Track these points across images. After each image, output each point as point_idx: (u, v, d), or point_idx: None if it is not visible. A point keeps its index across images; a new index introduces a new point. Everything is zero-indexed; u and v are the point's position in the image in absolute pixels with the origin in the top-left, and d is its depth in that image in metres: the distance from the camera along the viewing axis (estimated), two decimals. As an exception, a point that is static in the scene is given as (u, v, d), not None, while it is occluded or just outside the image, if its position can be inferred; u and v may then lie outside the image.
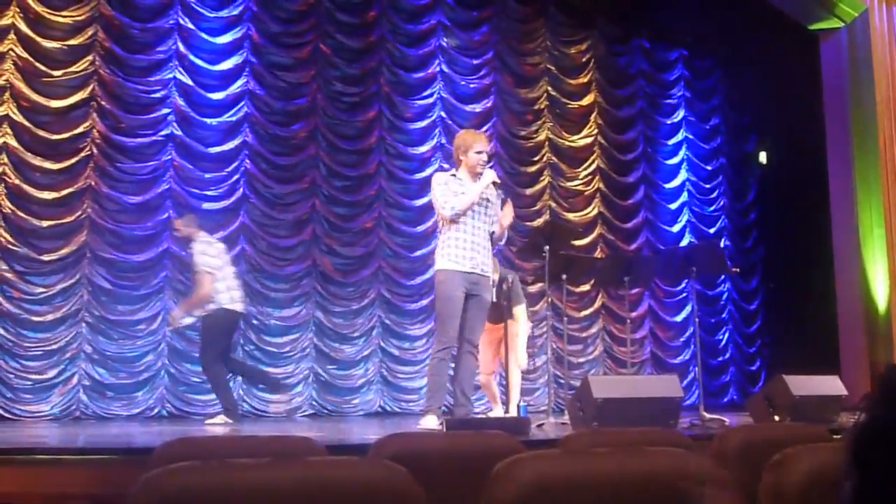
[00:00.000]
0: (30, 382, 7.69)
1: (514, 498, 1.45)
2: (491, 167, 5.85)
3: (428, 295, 9.25)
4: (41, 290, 7.85)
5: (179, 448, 2.34)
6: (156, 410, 8.03)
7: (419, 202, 9.36)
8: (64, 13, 8.14)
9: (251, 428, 6.64)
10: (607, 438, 2.64)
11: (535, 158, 10.14)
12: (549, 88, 10.30)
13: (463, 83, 9.87)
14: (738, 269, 10.24)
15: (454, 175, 5.60)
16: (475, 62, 9.94)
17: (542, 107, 10.24)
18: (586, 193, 10.34)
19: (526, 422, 5.23)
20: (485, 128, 9.81)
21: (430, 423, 5.41)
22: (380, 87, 9.37)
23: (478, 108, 9.88)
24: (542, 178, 10.11)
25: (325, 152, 9.03)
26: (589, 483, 1.43)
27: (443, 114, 9.66)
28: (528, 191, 10.04)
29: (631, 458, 1.55)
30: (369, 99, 9.32)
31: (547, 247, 6.78)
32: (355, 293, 9.02)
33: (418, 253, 9.33)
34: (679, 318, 10.67)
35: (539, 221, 9.66)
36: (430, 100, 9.63)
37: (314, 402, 8.62)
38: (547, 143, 10.19)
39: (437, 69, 9.70)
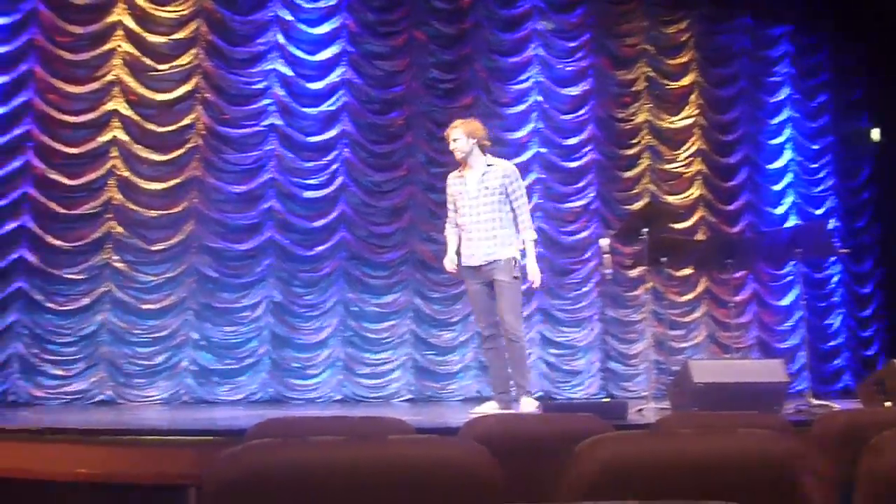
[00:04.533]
0: (140, 368, 7.96)
1: (595, 476, 1.43)
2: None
3: (524, 280, 9.19)
4: (150, 278, 8.12)
5: (271, 428, 2.39)
6: (258, 395, 8.21)
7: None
8: (168, 8, 8.37)
9: (351, 412, 6.74)
10: (701, 421, 2.58)
11: (634, 141, 9.96)
12: (648, 69, 10.10)
13: (559, 66, 9.76)
14: (847, 250, 9.85)
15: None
16: (571, 45, 9.81)
17: (641, 88, 10.04)
18: (686, 175, 10.11)
19: (623, 405, 5.17)
20: (582, 111, 9.70)
21: (489, 408, 5.85)
22: (475, 73, 9.34)
23: (575, 91, 9.75)
24: (640, 161, 9.93)
25: (422, 139, 9.06)
26: (670, 463, 1.39)
27: (539, 98, 9.57)
28: (627, 174, 9.88)
29: (716, 439, 1.51)
30: (465, 85, 9.31)
31: (646, 230, 6.68)
32: (452, 279, 9.01)
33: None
34: (786, 302, 10.35)
35: (637, 205, 9.49)
36: (527, 84, 9.56)
37: (412, 388, 8.69)
38: (645, 125, 10.00)
39: (533, 53, 9.61)
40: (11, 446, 4.63)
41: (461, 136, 6.05)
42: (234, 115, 8.51)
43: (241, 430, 4.11)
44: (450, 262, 6.14)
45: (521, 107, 9.51)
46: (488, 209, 5.96)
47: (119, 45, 8.18)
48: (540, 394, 8.79)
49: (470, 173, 6.07)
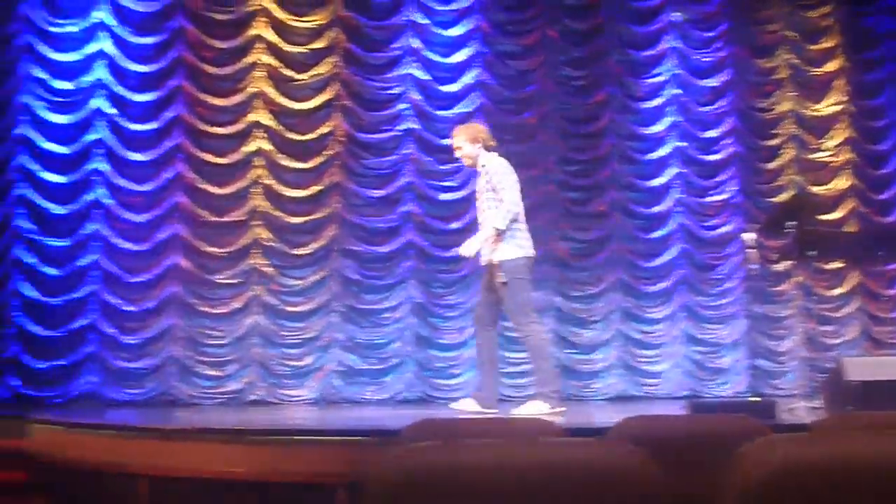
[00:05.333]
0: (289, 369, 8.22)
1: (761, 481, 1.38)
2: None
3: (667, 277, 9.04)
4: (296, 282, 8.37)
5: (424, 429, 2.41)
6: (404, 395, 8.33)
7: (653, 183, 9.16)
8: (306, 18, 8.61)
9: (507, 410, 6.76)
10: (864, 422, 2.47)
11: (776, 131, 9.60)
12: (790, 56, 9.71)
13: (696, 57, 9.50)
14: None
15: None
16: (708, 35, 9.54)
17: (783, 76, 9.67)
18: (834, 165, 9.67)
19: (772, 405, 5.00)
20: (721, 102, 9.42)
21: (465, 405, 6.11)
22: (609, 68, 9.21)
23: (713, 82, 9.48)
24: (783, 152, 9.55)
25: (556, 138, 9.00)
26: (843, 468, 1.33)
27: (676, 90, 9.35)
28: (770, 165, 9.53)
29: (891, 443, 1.43)
30: (599, 81, 9.18)
31: (792, 223, 6.45)
32: (592, 277, 8.95)
33: (655, 235, 9.11)
34: (949, 296, 9.78)
35: (782, 197, 9.15)
36: (662, 77, 9.35)
37: (555, 387, 8.62)
38: (789, 114, 9.62)
39: (669, 45, 9.39)
40: (170, 445, 4.85)
41: (464, 142, 6.21)
42: (371, 120, 8.68)
43: (391, 430, 4.18)
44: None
45: (657, 101, 9.32)
46: (482, 208, 6.20)
47: (260, 58, 8.46)
48: (685, 393, 8.62)
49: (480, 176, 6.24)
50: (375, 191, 8.59)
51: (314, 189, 8.46)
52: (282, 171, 8.43)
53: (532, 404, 5.96)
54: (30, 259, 7.94)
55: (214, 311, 8.21)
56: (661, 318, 9.01)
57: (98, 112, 8.15)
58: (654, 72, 9.36)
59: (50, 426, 5.76)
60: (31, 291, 7.92)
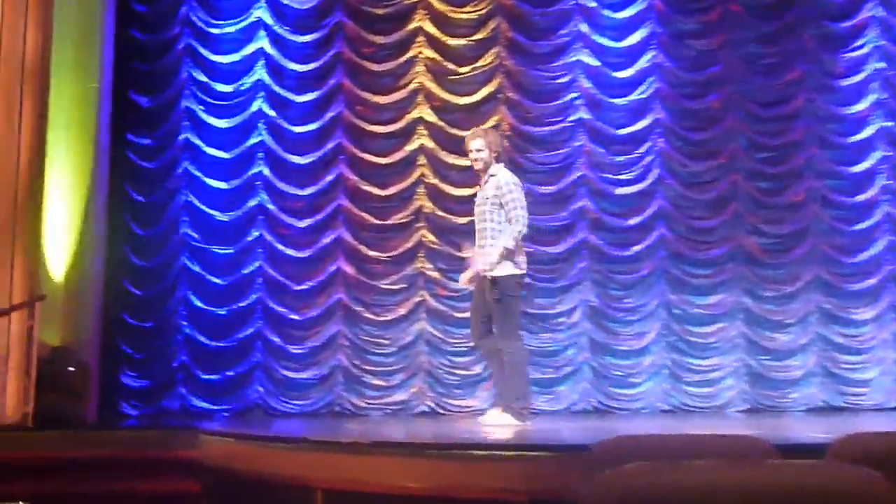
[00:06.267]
0: (458, 378, 8.34)
1: None
2: None
3: (873, 274, 8.65)
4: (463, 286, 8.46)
5: (619, 446, 2.40)
6: (580, 405, 8.30)
7: (855, 169, 8.77)
8: (467, 9, 8.71)
9: (683, 425, 6.66)
10: None
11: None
12: None
13: (902, 25, 9.04)
14: None
15: None
16: (917, -1, 9.07)
17: None
18: None
19: None
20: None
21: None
22: (802, 43, 8.86)
23: (927, 54, 8.98)
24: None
25: (743, 122, 8.76)
26: None
27: (880, 64, 8.90)
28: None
29: None
30: (790, 57, 8.85)
31: None
32: (787, 275, 8.65)
33: (859, 226, 8.72)
34: None
35: None
36: (864, 50, 8.91)
37: (746, 397, 8.41)
38: None
39: (870, 14, 8.94)
40: (346, 458, 5.01)
41: (484, 146, 6.31)
42: (538, 112, 8.69)
43: (576, 445, 4.18)
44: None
45: (859, 77, 8.90)
46: (481, 217, 6.34)
47: (421, 52, 8.64)
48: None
49: (485, 184, 6.38)
50: (545, 187, 8.58)
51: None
52: (446, 169, 8.57)
53: (496, 413, 6.27)
54: (195, 267, 8.38)
55: (380, 318, 8.43)
56: (868, 320, 8.62)
57: (259, 114, 8.52)
58: (855, 44, 8.94)
59: (222, 437, 6.07)
60: (197, 300, 8.36)
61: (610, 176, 8.66)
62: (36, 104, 7.09)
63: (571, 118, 8.66)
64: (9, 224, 6.89)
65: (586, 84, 8.70)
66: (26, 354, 6.88)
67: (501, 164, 6.49)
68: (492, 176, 6.28)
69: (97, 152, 7.98)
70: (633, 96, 8.73)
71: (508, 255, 6.15)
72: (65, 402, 7.07)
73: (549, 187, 8.60)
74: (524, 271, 6.29)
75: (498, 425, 6.07)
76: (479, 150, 6.31)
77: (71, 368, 7.29)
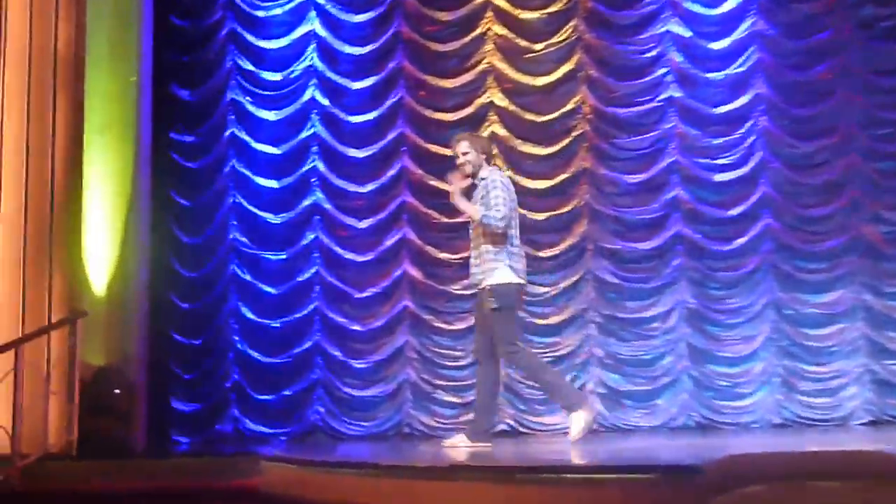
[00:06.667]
0: (539, 392, 8.27)
1: None
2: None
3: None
4: (544, 289, 8.55)
5: (733, 466, 2.45)
6: (680, 420, 8.30)
7: None
8: (541, -24, 8.76)
9: (801, 441, 6.63)
10: None
11: None
12: None
13: None
14: None
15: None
16: None
17: None
18: None
19: None
20: None
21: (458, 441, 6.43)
22: (925, 1, 8.76)
23: None
24: None
25: (859, 94, 8.64)
26: None
27: None
28: None
29: None
30: (915, 18, 8.76)
31: None
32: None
33: None
34: None
35: None
36: None
37: (872, 407, 8.31)
38: None
39: None
40: (420, 485, 5.07)
41: (470, 148, 6.45)
42: (624, 91, 8.69)
43: (684, 466, 4.20)
44: None
45: None
46: (473, 223, 6.41)
47: (490, 28, 8.71)
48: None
49: (476, 189, 6.49)
50: (633, 175, 8.61)
51: (559, 178, 8.61)
52: (520, 159, 8.64)
53: (459, 438, 6.46)
54: (246, 276, 8.57)
55: (451, 326, 8.54)
56: None
57: (311, 104, 8.69)
58: None
59: (283, 464, 6.18)
60: (249, 312, 8.54)
61: (707, 161, 8.62)
62: (70, 102, 7.31)
63: (661, 97, 8.65)
64: (44, 234, 7.12)
65: (677, 58, 8.67)
66: (68, 376, 7.07)
67: (495, 168, 6.68)
68: (482, 179, 6.40)
69: (138, 152, 8.20)
70: (731, 70, 8.67)
71: (498, 260, 6.24)
72: (111, 428, 7.27)
73: (638, 175, 8.61)
74: (523, 281, 6.40)
75: (459, 447, 6.29)
76: (465, 154, 6.44)
77: (117, 391, 7.49)
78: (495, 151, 7.46)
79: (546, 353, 8.39)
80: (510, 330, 6.33)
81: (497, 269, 6.24)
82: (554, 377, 6.54)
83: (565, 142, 8.64)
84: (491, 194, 6.26)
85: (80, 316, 7.16)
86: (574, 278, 8.54)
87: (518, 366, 6.60)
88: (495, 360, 6.41)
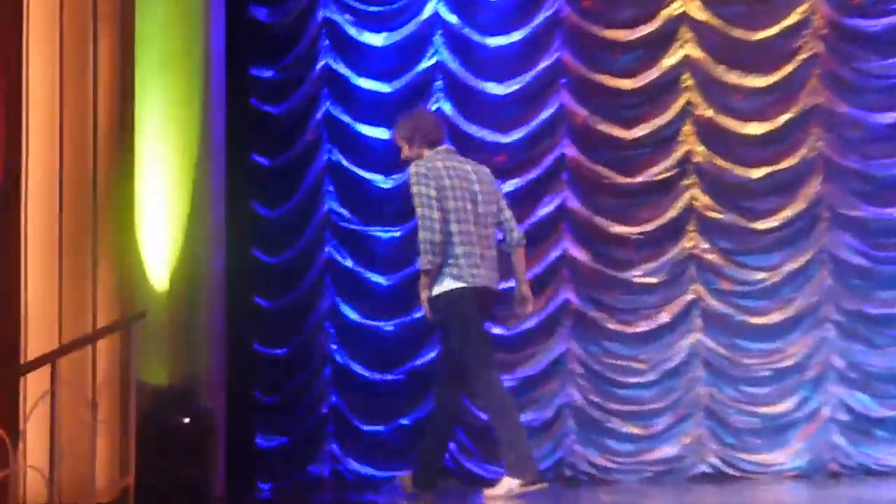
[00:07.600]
0: (757, 419, 8.17)
1: None
2: None
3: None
4: (756, 276, 8.39)
5: None
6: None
7: None
8: None
9: None
10: None
11: None
12: None
13: None
14: None
15: None
16: None
17: None
18: None
19: None
20: None
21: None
22: None
23: None
24: None
25: None
26: None
27: None
28: None
29: None
30: None
31: None
32: None
33: None
34: None
35: None
36: None
37: None
38: None
39: None
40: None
41: (400, 140, 6.86)
42: (870, -3, 8.39)
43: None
44: None
45: None
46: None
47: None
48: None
49: None
50: (885, 114, 8.34)
51: (781, 119, 8.37)
52: (724, 93, 8.43)
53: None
54: (347, 262, 8.45)
55: (630, 328, 8.37)
56: None
57: (434, 22, 8.55)
58: None
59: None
60: (351, 311, 8.42)
61: None
62: (117, 32, 7.15)
63: (926, 0, 8.35)
64: (86, 211, 6.95)
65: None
66: (120, 400, 6.95)
67: (433, 151, 6.77)
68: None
69: (206, 96, 7.99)
70: None
71: (445, 268, 6.52)
72: (178, 470, 7.19)
73: (892, 114, 8.33)
74: (468, 284, 6.52)
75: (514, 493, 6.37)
76: (399, 148, 6.86)
77: (185, 419, 7.40)
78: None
79: (763, 364, 8.21)
80: (467, 350, 6.51)
81: (439, 277, 6.53)
82: (519, 426, 6.63)
83: (789, 68, 8.36)
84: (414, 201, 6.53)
85: (136, 320, 6.98)
86: (803, 259, 8.29)
87: (480, 397, 6.82)
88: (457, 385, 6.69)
